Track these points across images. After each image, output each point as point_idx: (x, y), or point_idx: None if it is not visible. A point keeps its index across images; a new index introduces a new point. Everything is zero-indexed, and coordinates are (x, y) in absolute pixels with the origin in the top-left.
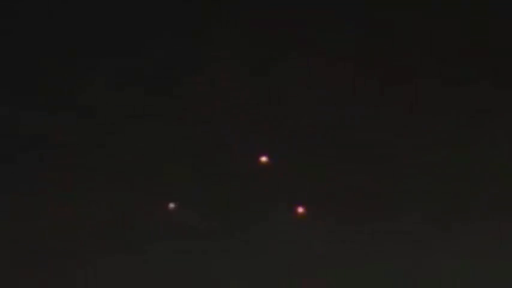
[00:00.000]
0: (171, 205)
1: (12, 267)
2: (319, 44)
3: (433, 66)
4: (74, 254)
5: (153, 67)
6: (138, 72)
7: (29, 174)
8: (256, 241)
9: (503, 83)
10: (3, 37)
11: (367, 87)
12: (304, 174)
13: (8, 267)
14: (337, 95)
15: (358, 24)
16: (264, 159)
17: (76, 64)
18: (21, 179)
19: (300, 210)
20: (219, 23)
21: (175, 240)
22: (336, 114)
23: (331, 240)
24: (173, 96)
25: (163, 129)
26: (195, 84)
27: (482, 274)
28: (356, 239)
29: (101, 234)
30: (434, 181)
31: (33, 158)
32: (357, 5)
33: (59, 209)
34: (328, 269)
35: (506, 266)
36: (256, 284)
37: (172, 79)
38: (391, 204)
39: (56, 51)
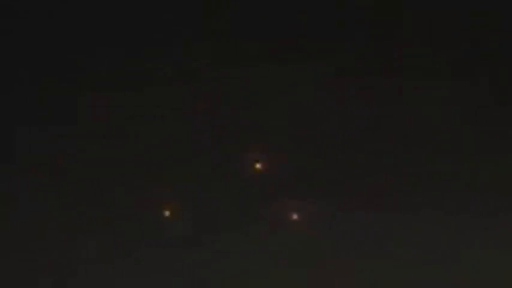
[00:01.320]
0: (168, 207)
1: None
2: (320, 47)
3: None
4: (70, 257)
5: (152, 68)
6: (137, 73)
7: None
8: (253, 243)
9: None
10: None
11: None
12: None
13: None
14: (338, 96)
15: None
16: (261, 162)
17: (74, 63)
18: (18, 180)
19: (295, 214)
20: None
21: (171, 242)
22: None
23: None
24: (172, 97)
25: (162, 131)
26: (195, 86)
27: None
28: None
29: (97, 236)
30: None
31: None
32: (358, 7)
33: (55, 210)
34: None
35: None
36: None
37: (172, 80)
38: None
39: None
